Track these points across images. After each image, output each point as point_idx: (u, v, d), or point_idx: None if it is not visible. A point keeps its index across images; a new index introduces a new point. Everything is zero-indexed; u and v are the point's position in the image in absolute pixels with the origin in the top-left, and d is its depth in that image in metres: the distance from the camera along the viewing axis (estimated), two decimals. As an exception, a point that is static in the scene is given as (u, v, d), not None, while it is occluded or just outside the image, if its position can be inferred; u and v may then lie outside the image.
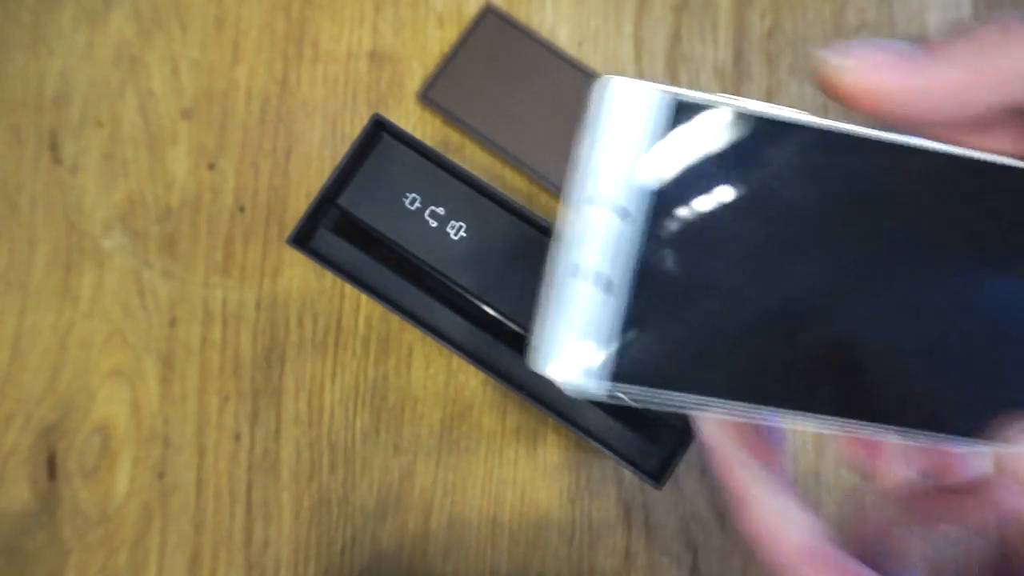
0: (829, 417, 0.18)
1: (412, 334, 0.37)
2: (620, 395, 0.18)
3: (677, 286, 0.18)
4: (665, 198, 0.18)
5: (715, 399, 0.18)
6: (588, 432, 0.31)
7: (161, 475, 0.36)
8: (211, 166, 0.38)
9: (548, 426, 0.37)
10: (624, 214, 0.18)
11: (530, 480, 0.37)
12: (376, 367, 0.37)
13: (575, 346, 0.18)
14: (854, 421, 0.18)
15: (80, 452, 0.36)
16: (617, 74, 0.18)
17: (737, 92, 0.39)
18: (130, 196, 0.37)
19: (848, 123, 0.18)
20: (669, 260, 0.18)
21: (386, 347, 0.37)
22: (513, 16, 0.38)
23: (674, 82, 0.38)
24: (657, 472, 0.32)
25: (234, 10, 0.39)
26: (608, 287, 0.18)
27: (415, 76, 0.39)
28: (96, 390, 0.36)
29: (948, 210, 0.18)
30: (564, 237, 0.18)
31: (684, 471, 0.37)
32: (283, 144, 0.38)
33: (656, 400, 0.19)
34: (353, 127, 0.38)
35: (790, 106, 0.18)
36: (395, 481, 0.36)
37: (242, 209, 0.38)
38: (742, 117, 0.17)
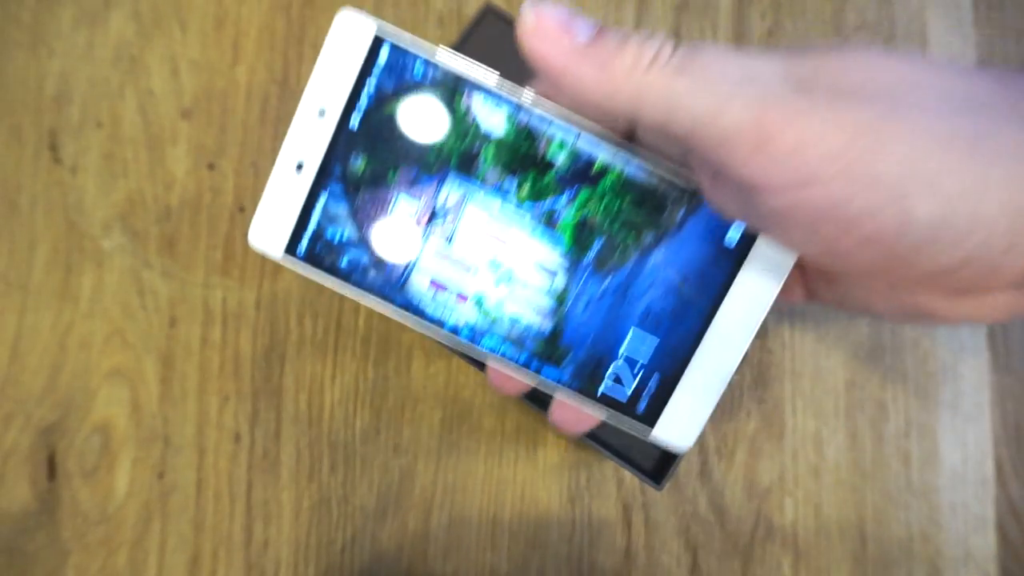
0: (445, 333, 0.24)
1: (412, 334, 0.37)
2: (298, 269, 0.23)
3: (346, 188, 0.23)
4: (353, 117, 0.22)
5: (354, 288, 0.23)
6: (588, 432, 0.31)
7: (161, 475, 0.36)
8: (211, 166, 0.38)
9: (548, 426, 0.37)
10: (322, 114, 0.22)
11: (530, 480, 0.37)
12: (376, 367, 0.37)
13: (273, 221, 0.23)
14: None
15: (80, 452, 0.36)
16: (358, 10, 0.22)
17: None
18: (130, 196, 0.37)
19: (524, 90, 0.22)
20: (347, 165, 0.22)
21: (386, 347, 0.37)
22: (513, 16, 0.38)
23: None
24: (657, 472, 0.32)
25: (234, 10, 0.39)
26: (300, 167, 0.23)
27: (415, 76, 0.39)
28: (96, 390, 0.36)
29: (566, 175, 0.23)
30: (288, 135, 0.22)
31: (684, 471, 0.37)
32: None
33: (318, 277, 0.23)
34: (353, 127, 0.38)
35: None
36: (395, 481, 0.36)
37: (242, 209, 0.38)
38: (430, 64, 0.22)
